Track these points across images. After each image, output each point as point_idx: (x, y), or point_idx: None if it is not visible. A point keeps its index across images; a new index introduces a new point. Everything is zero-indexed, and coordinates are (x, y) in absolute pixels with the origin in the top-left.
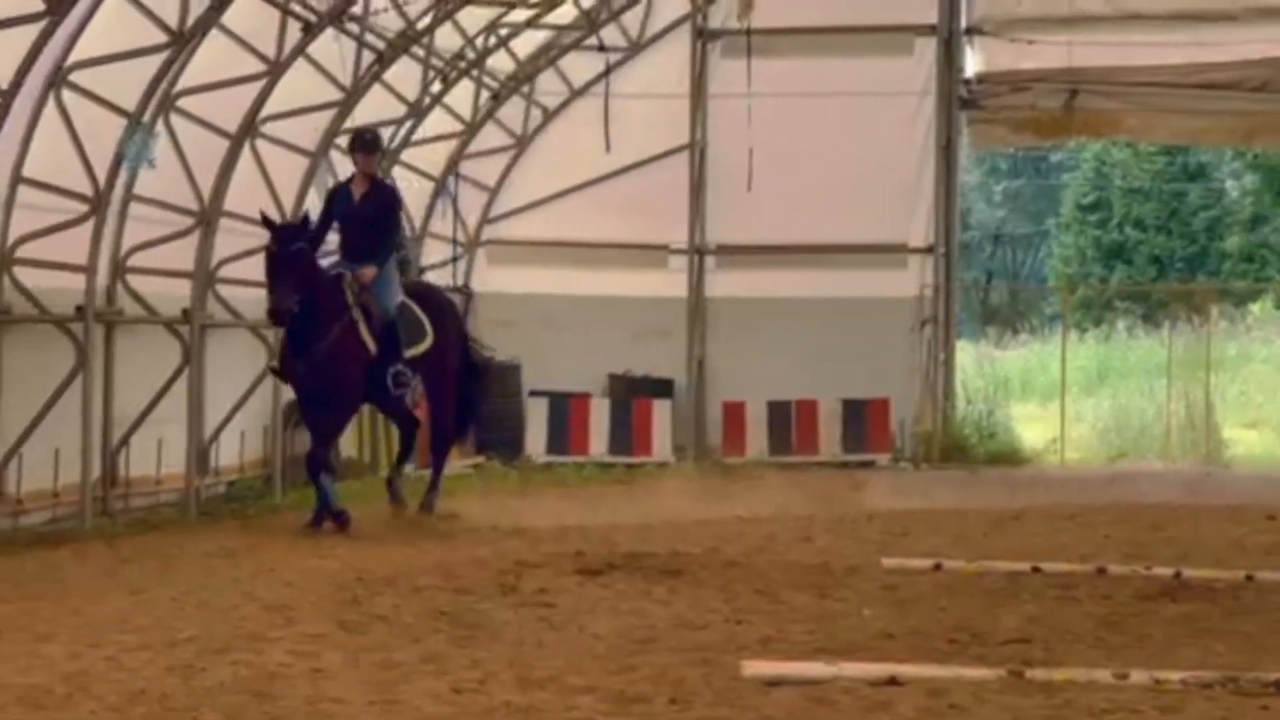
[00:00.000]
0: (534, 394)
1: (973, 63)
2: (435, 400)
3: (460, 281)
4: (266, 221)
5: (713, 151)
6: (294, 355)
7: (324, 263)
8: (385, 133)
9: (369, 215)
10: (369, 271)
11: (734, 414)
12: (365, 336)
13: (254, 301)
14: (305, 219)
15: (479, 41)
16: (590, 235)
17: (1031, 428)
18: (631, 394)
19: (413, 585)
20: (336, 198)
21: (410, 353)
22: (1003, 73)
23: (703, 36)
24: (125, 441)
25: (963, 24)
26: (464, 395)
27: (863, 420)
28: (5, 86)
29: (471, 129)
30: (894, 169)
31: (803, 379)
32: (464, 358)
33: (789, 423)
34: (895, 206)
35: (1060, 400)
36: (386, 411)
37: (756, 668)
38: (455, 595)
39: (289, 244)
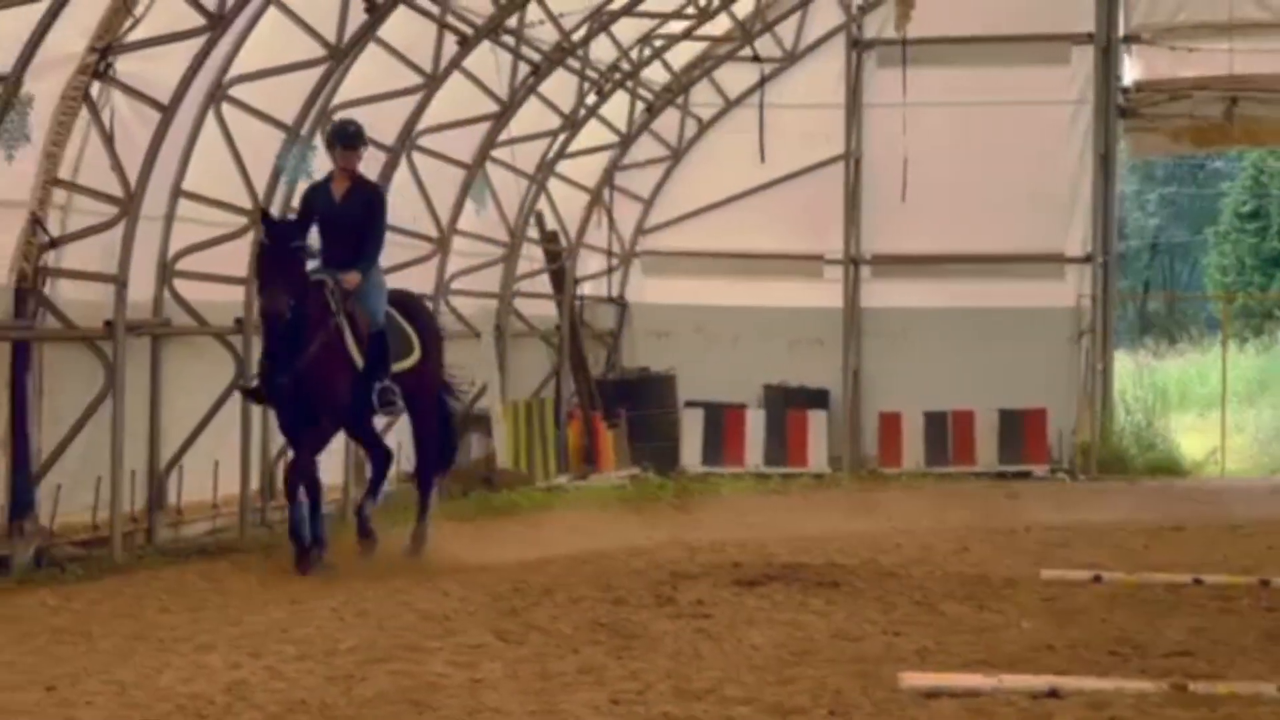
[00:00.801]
0: (689, 405)
1: (1131, 71)
2: (420, 422)
3: (615, 293)
4: (264, 215)
5: (868, 161)
6: (275, 369)
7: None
8: (540, 145)
9: (352, 217)
10: (353, 278)
11: (890, 424)
12: (351, 348)
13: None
14: (298, 220)
15: (634, 53)
16: (745, 246)
17: (1191, 439)
18: (787, 405)
19: (570, 596)
20: (314, 198)
21: (396, 367)
22: (1161, 81)
23: (858, 46)
24: (282, 454)
25: (1120, 32)
26: (443, 420)
27: (1020, 431)
28: (166, 101)
29: (626, 140)
30: (1050, 178)
31: (959, 389)
32: (441, 380)
33: (945, 433)
34: (1052, 216)
35: (1221, 410)
36: (357, 437)
37: (915, 679)
38: (613, 606)
39: (286, 241)
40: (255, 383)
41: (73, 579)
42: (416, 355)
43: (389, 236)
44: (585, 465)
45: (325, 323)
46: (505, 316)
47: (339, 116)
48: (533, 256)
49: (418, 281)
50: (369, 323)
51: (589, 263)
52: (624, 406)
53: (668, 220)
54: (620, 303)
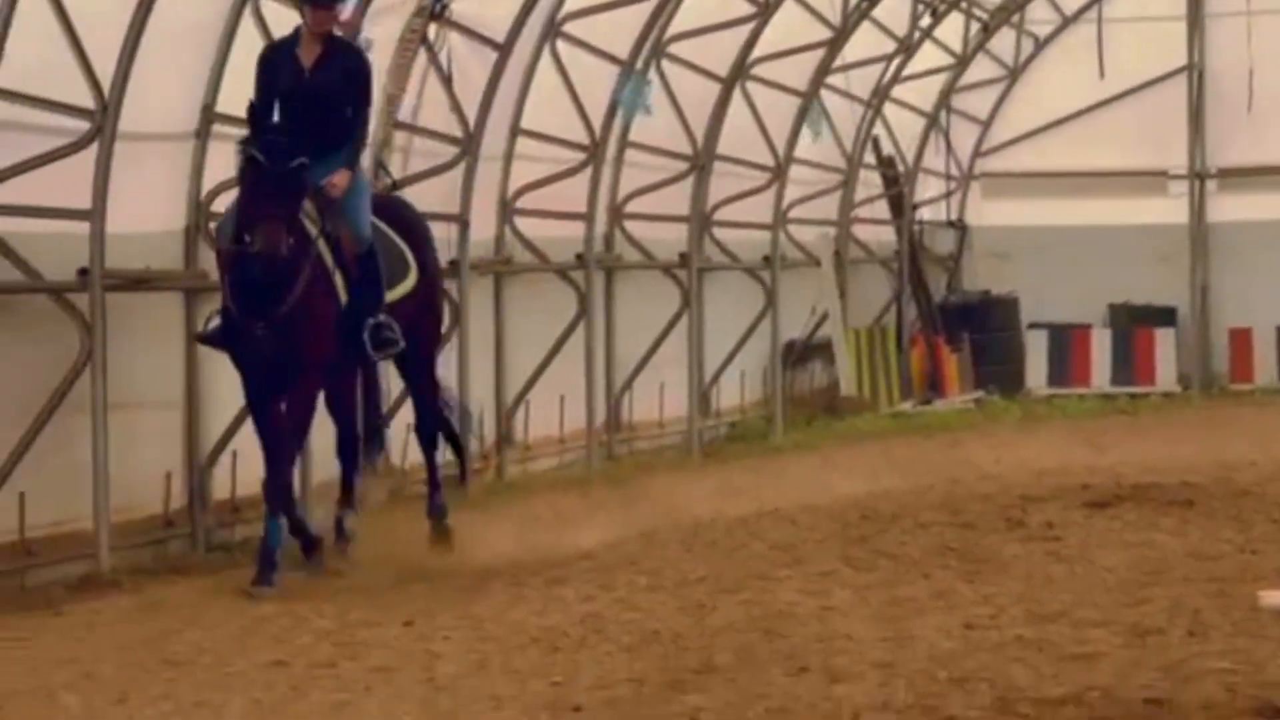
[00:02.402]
0: (1033, 326)
1: None
2: (416, 367)
3: (954, 216)
4: (253, 115)
5: (1211, 73)
6: (246, 313)
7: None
8: (874, 70)
9: (328, 91)
10: (340, 179)
11: (1240, 341)
12: (336, 279)
13: (751, 244)
14: (259, 99)
15: None
16: (1086, 164)
17: None
18: (1133, 323)
19: (918, 521)
20: (276, 66)
21: (389, 296)
22: None
23: None
24: (628, 386)
25: None
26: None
27: None
28: (501, 40)
29: (962, 62)
30: None
31: None
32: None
33: None
34: None
35: None
36: (328, 401)
37: (1273, 598)
38: (961, 530)
39: (284, 158)
40: (210, 330)
41: (424, 515)
42: (413, 277)
43: (723, 166)
44: (929, 390)
45: (306, 249)
46: (844, 243)
47: None
48: (870, 182)
49: (756, 211)
50: (354, 240)
51: (927, 186)
52: (966, 330)
53: (1006, 141)
54: (960, 226)
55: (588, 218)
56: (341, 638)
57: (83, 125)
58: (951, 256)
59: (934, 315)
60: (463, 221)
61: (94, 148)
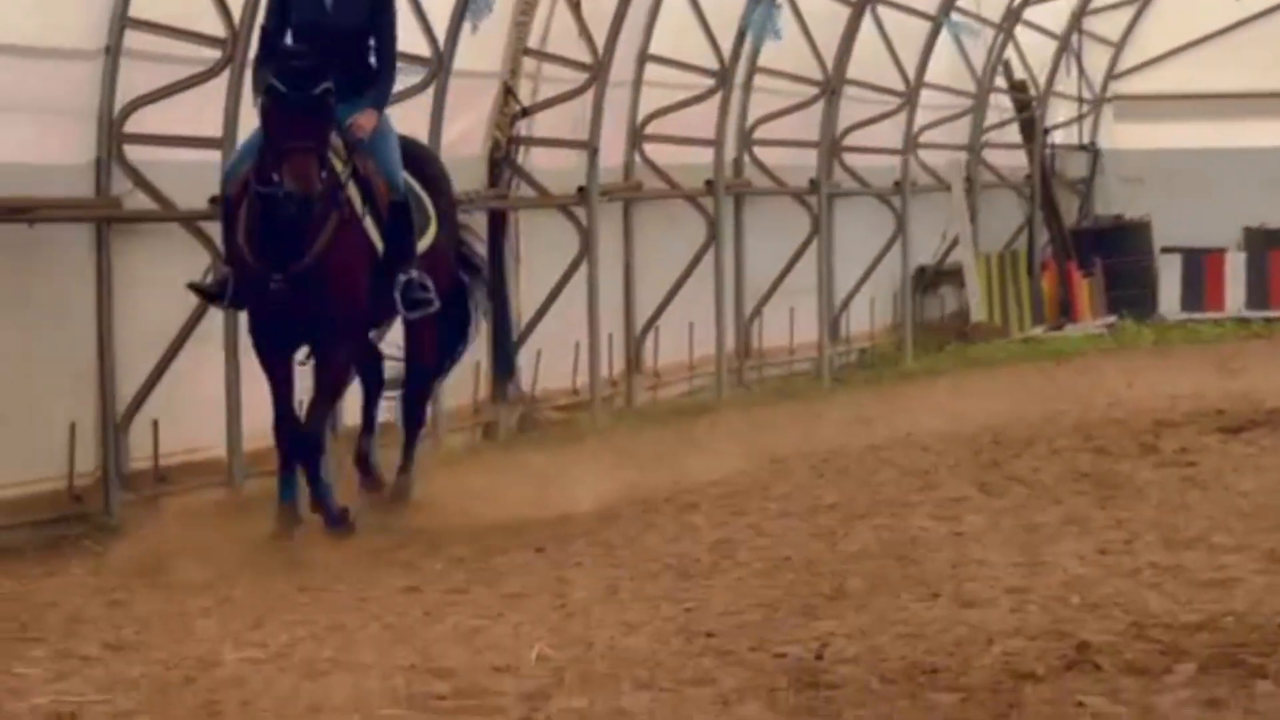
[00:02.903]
0: (1165, 250)
1: None
2: (419, 328)
3: (1086, 140)
4: (266, 43)
5: None
6: (266, 261)
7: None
8: None
9: (348, 22)
10: (367, 120)
11: None
12: (371, 229)
13: (881, 170)
14: (274, 29)
15: None
16: (1221, 86)
17: None
18: (1269, 247)
19: (1051, 447)
20: None
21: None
22: None
23: None
24: (757, 312)
25: None
26: (459, 313)
27: None
28: None
29: None
30: None
31: None
32: (460, 255)
33: None
34: None
35: None
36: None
37: None
38: (1095, 456)
39: (308, 83)
40: (210, 282)
41: (555, 443)
42: (433, 230)
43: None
44: (1061, 316)
45: (334, 194)
46: (975, 168)
47: None
48: (1001, 106)
49: (887, 136)
50: (388, 188)
51: (1059, 110)
52: (1098, 255)
53: (1139, 64)
54: (1092, 149)
55: (717, 144)
56: (474, 564)
57: (214, 54)
58: (1083, 181)
59: (1066, 240)
60: (592, 148)
61: (224, 76)
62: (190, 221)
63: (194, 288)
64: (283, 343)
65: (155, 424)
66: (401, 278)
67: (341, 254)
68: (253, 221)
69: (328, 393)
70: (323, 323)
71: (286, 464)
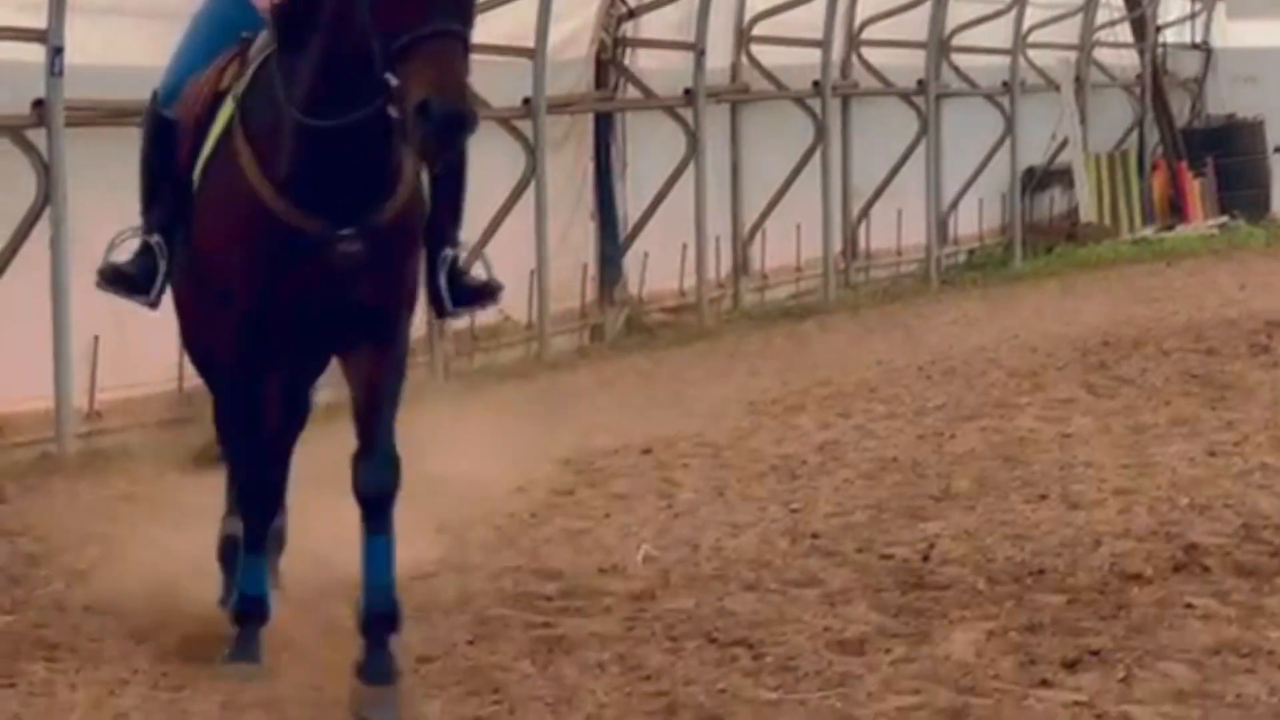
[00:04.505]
0: (1279, 150)
1: None
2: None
3: (1199, 38)
4: None
5: None
6: (331, 220)
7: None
8: None
9: None
10: None
11: None
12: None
13: (990, 70)
14: None
15: None
16: None
17: None
18: None
19: (1160, 348)
20: None
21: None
22: None
23: None
24: (865, 214)
25: None
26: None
27: None
28: None
29: None
30: None
31: None
32: None
33: None
34: None
35: None
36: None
37: None
38: (1205, 357)
39: None
40: (126, 262)
41: (662, 345)
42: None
43: None
44: (1172, 216)
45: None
46: (1085, 68)
47: None
48: (1112, 5)
49: (996, 36)
50: None
51: (1171, 8)
52: (1210, 155)
53: None
54: (1204, 48)
55: (824, 45)
56: (581, 465)
57: None
58: (1195, 80)
59: (1177, 140)
60: (699, 50)
61: None
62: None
63: (107, 276)
64: (310, 349)
65: None
66: (448, 253)
67: (413, 210)
68: (301, 160)
69: (395, 404)
70: (390, 304)
71: (257, 542)
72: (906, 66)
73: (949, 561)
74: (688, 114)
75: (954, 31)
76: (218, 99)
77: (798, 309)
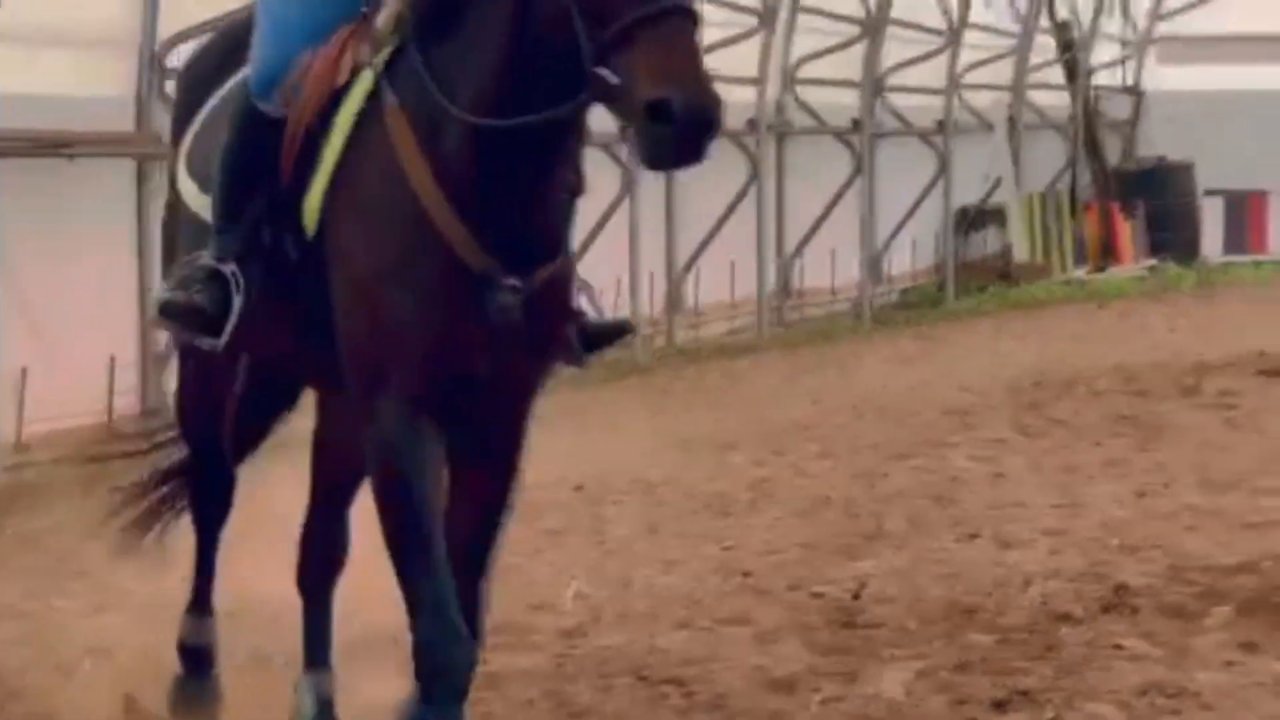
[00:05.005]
0: (1209, 193)
1: None
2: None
3: (1130, 81)
4: None
5: None
6: (506, 266)
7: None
8: None
9: None
10: None
11: None
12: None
13: (924, 110)
14: None
15: None
16: (1262, 28)
17: None
18: None
19: (1091, 389)
20: None
21: None
22: None
23: None
24: (799, 252)
25: None
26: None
27: None
28: None
29: None
30: None
31: None
32: None
33: None
34: None
35: None
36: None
37: None
38: (1135, 399)
39: None
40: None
41: (595, 380)
42: None
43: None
44: (1103, 258)
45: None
46: (1018, 108)
47: None
48: (1045, 47)
49: (930, 76)
50: None
51: (1103, 51)
52: (1141, 197)
53: (1184, 4)
54: (1136, 91)
55: (759, 83)
56: None
57: None
58: (1127, 122)
59: (1109, 181)
60: None
61: None
62: None
63: (170, 310)
64: (456, 415)
65: None
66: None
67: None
68: (471, 180)
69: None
70: (531, 390)
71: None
72: (841, 105)
73: (880, 600)
74: (622, 151)
75: (888, 71)
76: (337, 91)
77: (732, 346)
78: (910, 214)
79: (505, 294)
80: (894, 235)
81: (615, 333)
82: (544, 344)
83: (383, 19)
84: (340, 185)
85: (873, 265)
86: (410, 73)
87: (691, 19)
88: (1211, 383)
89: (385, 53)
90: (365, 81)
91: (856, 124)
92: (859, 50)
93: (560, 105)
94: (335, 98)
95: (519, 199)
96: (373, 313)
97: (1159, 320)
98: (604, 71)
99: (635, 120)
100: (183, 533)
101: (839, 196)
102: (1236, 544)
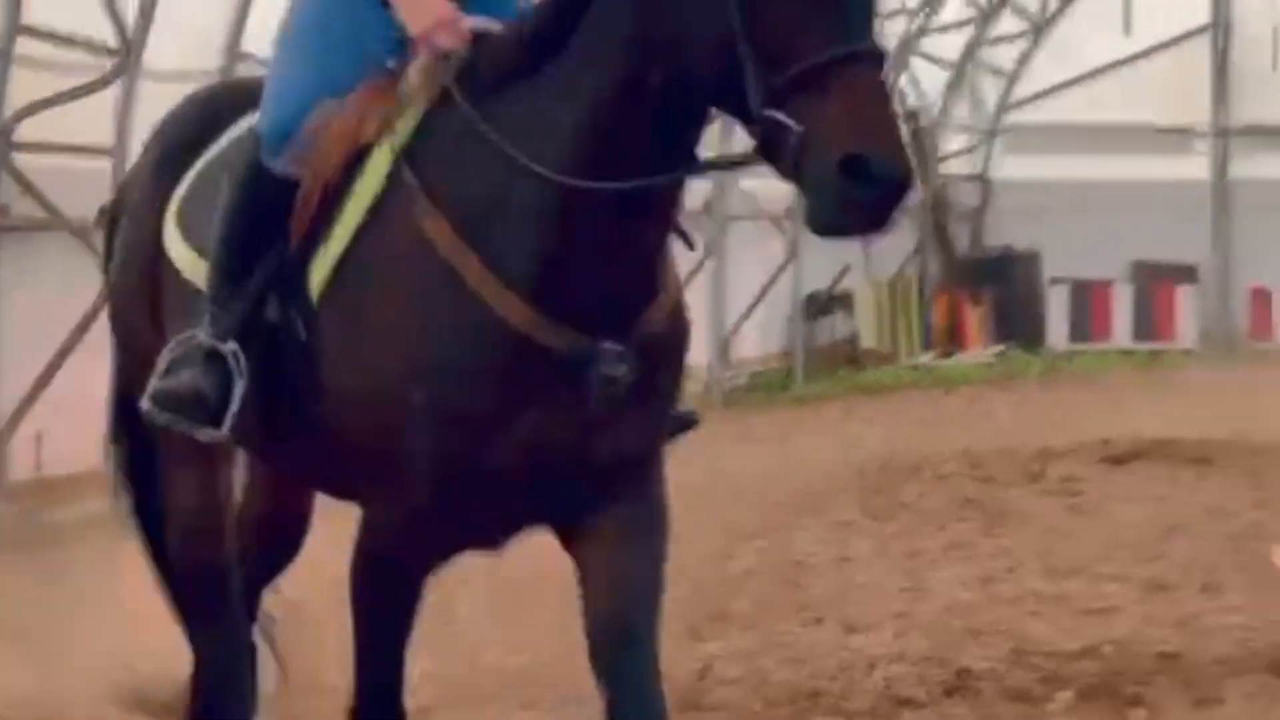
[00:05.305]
0: (1055, 281)
1: None
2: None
3: (978, 170)
4: None
5: (1237, 30)
6: (593, 329)
7: None
8: (900, 23)
9: None
10: None
11: (1261, 300)
12: None
13: (775, 194)
14: None
15: None
16: (1111, 119)
17: None
18: (1154, 280)
19: (937, 474)
20: None
21: None
22: None
23: None
24: None
25: None
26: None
27: None
28: None
29: (987, 15)
30: None
31: None
32: None
33: None
34: None
35: None
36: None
37: None
38: (980, 483)
39: None
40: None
41: None
42: None
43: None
44: (949, 344)
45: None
46: None
47: None
48: None
49: None
50: None
51: (951, 140)
52: (988, 284)
53: (1031, 95)
54: (983, 180)
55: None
56: None
57: (105, 63)
58: (974, 210)
59: (955, 269)
60: None
61: (117, 85)
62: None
63: (164, 401)
64: (513, 524)
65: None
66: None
67: (680, 299)
68: (555, 244)
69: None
70: (656, 449)
71: None
72: (692, 189)
73: (725, 682)
74: None
75: None
76: (360, 152)
77: None
78: (760, 298)
79: (609, 360)
80: (743, 319)
81: (684, 424)
82: (664, 399)
83: (414, 73)
84: (353, 268)
85: (721, 348)
86: (456, 138)
87: (880, 64)
88: (1056, 469)
89: (409, 126)
90: (383, 159)
91: (708, 207)
92: (711, 135)
93: (680, 161)
94: (359, 155)
95: (613, 257)
96: (358, 419)
97: (1005, 407)
98: (780, 115)
99: (818, 177)
100: None
101: (688, 280)
102: (1079, 629)
